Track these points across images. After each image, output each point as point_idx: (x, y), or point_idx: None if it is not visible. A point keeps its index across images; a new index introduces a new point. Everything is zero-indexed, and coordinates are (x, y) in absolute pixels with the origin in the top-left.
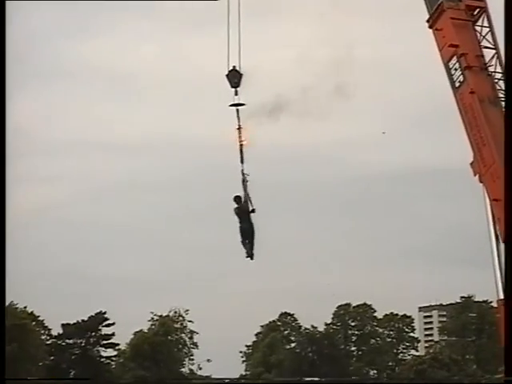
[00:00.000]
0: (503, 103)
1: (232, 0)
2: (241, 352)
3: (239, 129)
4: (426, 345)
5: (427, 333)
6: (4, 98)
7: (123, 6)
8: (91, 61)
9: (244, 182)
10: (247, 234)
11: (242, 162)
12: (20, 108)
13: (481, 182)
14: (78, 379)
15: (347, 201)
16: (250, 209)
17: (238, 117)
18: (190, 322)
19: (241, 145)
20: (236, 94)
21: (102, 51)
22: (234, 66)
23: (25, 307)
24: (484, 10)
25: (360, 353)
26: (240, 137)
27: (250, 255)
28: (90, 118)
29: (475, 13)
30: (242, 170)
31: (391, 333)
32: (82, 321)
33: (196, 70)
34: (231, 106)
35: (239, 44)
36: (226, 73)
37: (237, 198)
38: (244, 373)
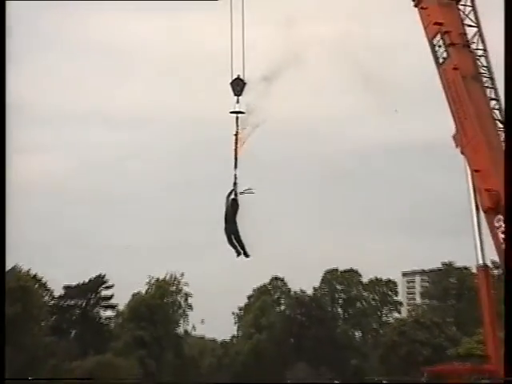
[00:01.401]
0: (484, 79)
1: None
2: (233, 314)
3: (236, 135)
4: (409, 308)
5: (410, 297)
6: (4, 98)
7: None
8: (92, 36)
9: (235, 185)
10: (232, 235)
11: (235, 167)
12: (22, 80)
13: (462, 153)
14: (78, 379)
15: (339, 173)
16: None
17: (237, 124)
18: (184, 284)
19: (235, 151)
20: (238, 102)
21: (101, 27)
22: (238, 75)
23: (28, 270)
24: None
25: (346, 315)
26: (236, 143)
27: (245, 254)
28: (90, 90)
29: None
30: (235, 175)
31: (376, 296)
32: (83, 283)
33: (195, 45)
34: (231, 113)
35: (243, 20)
36: (231, 81)
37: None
38: (236, 333)
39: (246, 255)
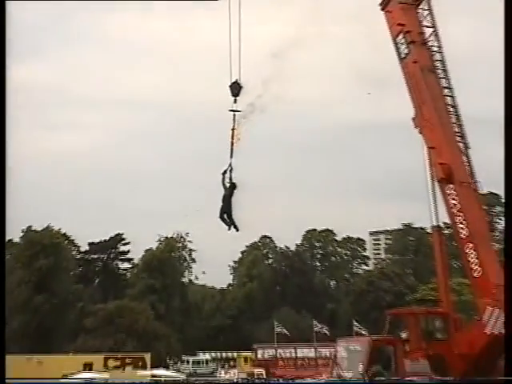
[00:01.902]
0: (439, 71)
1: None
2: (229, 266)
3: (233, 130)
4: (375, 262)
5: (376, 252)
6: (4, 97)
7: None
8: (110, 32)
9: (231, 171)
10: (225, 213)
11: (231, 156)
12: (52, 68)
13: (420, 133)
14: (78, 379)
15: (317, 148)
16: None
17: (234, 120)
18: (189, 241)
19: (232, 143)
20: (235, 102)
21: (119, 25)
22: (236, 79)
23: (59, 229)
24: None
25: (323, 267)
26: (232, 137)
27: (236, 228)
28: (109, 79)
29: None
30: (230, 163)
31: (347, 252)
32: (104, 240)
33: (200, 41)
34: (230, 111)
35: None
36: (230, 84)
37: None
38: (231, 282)
39: (237, 229)
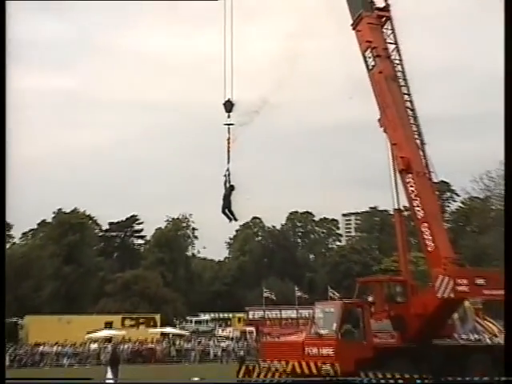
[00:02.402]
0: (400, 80)
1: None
2: (225, 242)
3: (228, 140)
4: (347, 238)
5: (347, 231)
6: (4, 98)
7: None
8: (125, 44)
9: (229, 175)
10: (226, 208)
11: (228, 162)
12: (77, 75)
13: (385, 131)
14: (78, 379)
15: (302, 145)
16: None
17: (229, 132)
18: (192, 222)
19: (228, 152)
20: (229, 116)
21: (134, 39)
22: (228, 98)
23: (84, 211)
24: (389, 17)
25: (303, 243)
26: (228, 147)
27: (235, 219)
28: (125, 84)
29: (383, 19)
30: (228, 168)
31: (324, 230)
32: (122, 220)
33: (201, 53)
34: (224, 124)
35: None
36: (223, 102)
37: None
38: (227, 255)
39: (236, 220)
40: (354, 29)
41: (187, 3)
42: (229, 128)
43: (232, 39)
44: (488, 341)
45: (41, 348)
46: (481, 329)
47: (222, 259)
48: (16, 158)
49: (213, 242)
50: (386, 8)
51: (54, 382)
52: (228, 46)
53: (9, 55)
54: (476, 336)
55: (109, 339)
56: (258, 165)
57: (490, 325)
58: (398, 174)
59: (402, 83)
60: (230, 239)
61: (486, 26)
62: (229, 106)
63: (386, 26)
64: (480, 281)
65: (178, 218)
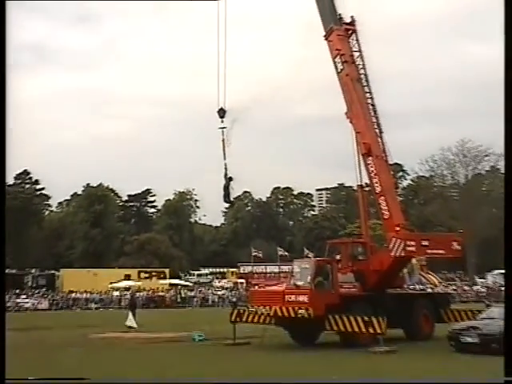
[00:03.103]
0: (363, 81)
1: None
2: (222, 211)
3: (223, 141)
4: (319, 209)
5: (319, 202)
6: (4, 97)
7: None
8: (141, 50)
9: (226, 170)
10: (226, 196)
11: (224, 158)
12: (101, 75)
13: (351, 122)
14: (77, 379)
15: (284, 135)
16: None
17: (223, 134)
18: (195, 194)
19: (223, 151)
20: (222, 121)
21: (147, 46)
22: (221, 107)
23: (108, 185)
24: (354, 30)
25: (284, 212)
26: (224, 147)
27: (232, 204)
28: (140, 82)
29: (349, 32)
30: (225, 163)
31: (301, 202)
32: (138, 193)
33: (201, 57)
34: (219, 128)
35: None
36: (217, 109)
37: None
38: (223, 222)
39: (233, 204)
40: (326, 39)
41: (191, 18)
42: (222, 131)
43: (225, 47)
44: (429, 289)
45: (73, 295)
46: (424, 280)
47: (218, 225)
48: (56, 143)
49: (211, 210)
50: (352, 23)
51: (54, 381)
52: (222, 53)
53: (47, 59)
54: (420, 286)
55: (128, 288)
56: (250, 150)
57: (432, 277)
58: (360, 157)
59: (365, 83)
60: (226, 209)
61: (432, 36)
62: (221, 112)
63: (351, 37)
64: (425, 242)
65: (183, 192)
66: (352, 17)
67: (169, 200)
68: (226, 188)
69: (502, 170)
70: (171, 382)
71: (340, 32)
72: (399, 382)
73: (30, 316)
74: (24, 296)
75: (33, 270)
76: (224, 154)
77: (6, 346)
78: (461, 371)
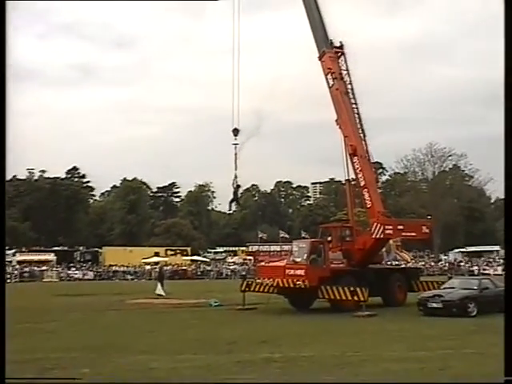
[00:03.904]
0: (350, 94)
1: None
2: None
3: (235, 155)
4: (314, 199)
5: (314, 194)
6: (4, 97)
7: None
8: (165, 67)
9: (236, 178)
10: (235, 201)
11: (235, 169)
12: (133, 87)
13: (340, 128)
14: (75, 379)
15: (286, 138)
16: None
17: (236, 149)
18: (212, 186)
19: (235, 163)
20: (235, 139)
21: (171, 63)
22: (235, 127)
23: (141, 179)
24: (343, 53)
25: (285, 202)
26: (236, 160)
27: (240, 207)
28: (166, 93)
29: (339, 54)
30: (235, 174)
31: (299, 193)
32: (165, 186)
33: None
34: (232, 144)
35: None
36: (232, 129)
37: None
38: (235, 209)
39: (240, 207)
40: (319, 59)
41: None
42: (235, 146)
43: (239, 70)
44: (403, 265)
45: (113, 268)
46: (399, 257)
47: (231, 212)
48: (99, 144)
49: (225, 200)
50: (341, 46)
51: (54, 381)
52: (235, 75)
53: (91, 76)
54: (396, 262)
55: (157, 263)
56: (257, 150)
57: (405, 255)
58: (348, 156)
59: (351, 96)
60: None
61: (407, 57)
62: (235, 132)
63: (340, 58)
64: (400, 227)
65: (202, 184)
66: (341, 42)
67: (190, 191)
68: (235, 194)
69: (463, 168)
70: (172, 383)
71: (331, 54)
72: (399, 382)
73: (78, 285)
74: (74, 268)
75: (81, 248)
76: (235, 165)
77: (5, 346)
78: (427, 331)
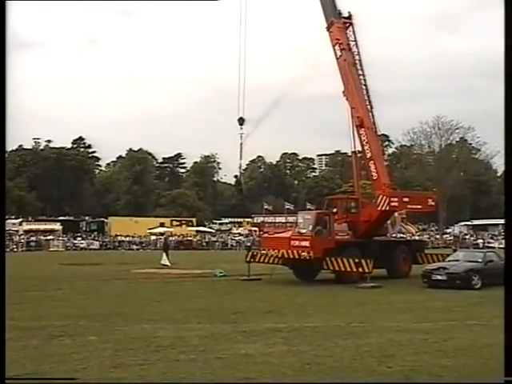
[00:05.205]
0: (358, 66)
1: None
2: (236, 175)
3: (241, 144)
4: (319, 171)
5: (319, 165)
6: (4, 97)
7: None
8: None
9: (240, 168)
10: (240, 192)
11: (240, 158)
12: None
13: (347, 99)
14: (74, 379)
15: (293, 110)
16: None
17: (241, 138)
18: (217, 158)
19: (240, 153)
20: (241, 128)
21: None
22: (241, 116)
23: (147, 149)
24: (351, 23)
25: (291, 174)
26: (241, 150)
27: (241, 193)
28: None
29: (347, 24)
30: (240, 163)
31: (305, 165)
32: (171, 157)
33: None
34: (238, 134)
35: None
36: (237, 118)
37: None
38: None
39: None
40: (327, 30)
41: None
42: (241, 136)
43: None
44: (408, 237)
45: (118, 238)
46: (404, 230)
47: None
48: (105, 115)
49: (230, 171)
50: (349, 17)
51: (54, 381)
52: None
53: (99, 46)
54: (401, 234)
55: (162, 233)
56: (263, 121)
57: (410, 227)
58: (354, 128)
59: (359, 67)
60: (243, 170)
61: (417, 28)
62: (241, 121)
63: (349, 29)
64: (405, 199)
65: (208, 155)
66: (349, 12)
67: (196, 162)
68: (239, 183)
69: (470, 141)
70: (171, 382)
71: (339, 24)
72: (398, 382)
73: (84, 254)
74: (80, 238)
75: (86, 217)
76: (241, 154)
77: (5, 345)
78: (431, 303)
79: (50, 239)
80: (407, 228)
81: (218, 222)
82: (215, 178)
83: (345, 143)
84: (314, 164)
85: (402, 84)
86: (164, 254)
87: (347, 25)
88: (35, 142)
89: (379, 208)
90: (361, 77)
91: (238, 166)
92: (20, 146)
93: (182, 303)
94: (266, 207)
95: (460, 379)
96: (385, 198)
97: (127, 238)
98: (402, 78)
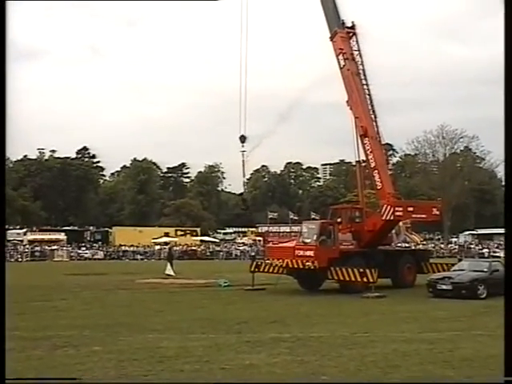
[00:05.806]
0: (361, 75)
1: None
2: (243, 182)
3: (243, 162)
4: (323, 180)
5: (324, 175)
6: (4, 96)
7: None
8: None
9: (244, 185)
10: (245, 208)
11: (244, 176)
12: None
13: (350, 109)
14: (74, 379)
15: (297, 119)
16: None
17: (243, 156)
18: (222, 167)
19: (243, 170)
20: (243, 146)
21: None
22: (242, 134)
23: (151, 159)
24: (354, 33)
25: (295, 183)
26: (243, 167)
27: (246, 209)
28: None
29: (350, 34)
30: (244, 181)
31: (309, 175)
32: (175, 166)
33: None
34: (240, 151)
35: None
36: (239, 135)
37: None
38: (246, 190)
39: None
40: (331, 40)
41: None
42: (243, 153)
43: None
44: (413, 247)
45: (123, 248)
46: (408, 239)
47: (241, 192)
48: (109, 124)
49: (235, 181)
50: (353, 27)
51: (55, 381)
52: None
53: (103, 56)
54: (405, 244)
55: (166, 243)
56: (268, 131)
57: (415, 237)
58: (358, 138)
59: (362, 77)
60: (247, 179)
61: (419, 37)
62: (242, 138)
63: (352, 39)
64: (410, 208)
65: (212, 165)
66: (353, 22)
67: (200, 172)
68: (244, 200)
69: (474, 150)
70: (171, 382)
71: (342, 34)
72: (398, 382)
73: (88, 264)
74: (84, 248)
75: (91, 227)
76: (244, 172)
77: (5, 346)
78: (436, 313)
79: (55, 249)
80: (412, 237)
81: (223, 231)
82: (219, 188)
83: (349, 152)
84: (318, 173)
85: (405, 92)
86: (168, 264)
87: (351, 34)
88: (40, 152)
89: (384, 217)
90: (364, 86)
91: (241, 174)
92: (25, 156)
93: (186, 313)
94: (270, 216)
95: (460, 379)
96: (389, 207)
97: (131, 248)
98: (406, 86)
